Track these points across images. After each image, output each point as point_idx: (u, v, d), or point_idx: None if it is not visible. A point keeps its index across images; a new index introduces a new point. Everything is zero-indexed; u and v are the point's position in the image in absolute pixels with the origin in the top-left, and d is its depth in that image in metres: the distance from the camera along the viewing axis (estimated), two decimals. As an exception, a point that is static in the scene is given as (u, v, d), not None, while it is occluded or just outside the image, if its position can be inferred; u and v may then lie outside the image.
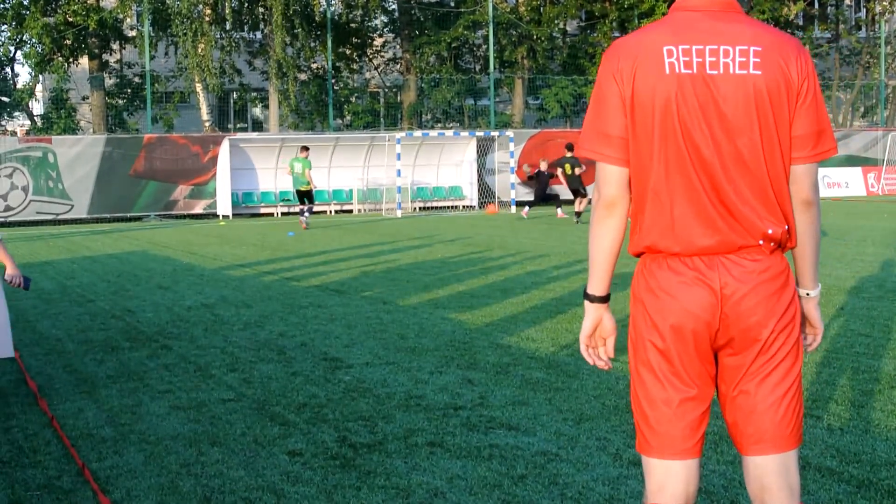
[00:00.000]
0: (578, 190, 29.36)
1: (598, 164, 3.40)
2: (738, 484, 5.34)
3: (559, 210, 31.96)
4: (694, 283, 3.30)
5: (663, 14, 42.17)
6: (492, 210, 36.25)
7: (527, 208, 31.52)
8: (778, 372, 3.37)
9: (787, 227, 3.34)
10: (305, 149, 29.51)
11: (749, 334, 3.32)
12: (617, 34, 45.56)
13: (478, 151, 39.21)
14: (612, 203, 3.39)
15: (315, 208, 36.61)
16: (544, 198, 31.28)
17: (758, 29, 3.35)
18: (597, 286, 3.49)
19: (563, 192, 32.49)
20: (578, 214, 29.02)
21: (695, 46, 3.29)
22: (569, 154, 29.34)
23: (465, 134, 38.91)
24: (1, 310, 7.92)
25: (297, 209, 32.81)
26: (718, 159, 3.27)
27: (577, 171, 29.12)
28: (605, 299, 3.51)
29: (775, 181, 3.32)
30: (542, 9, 45.02)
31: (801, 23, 51.05)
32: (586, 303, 3.53)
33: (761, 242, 3.30)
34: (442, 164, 39.59)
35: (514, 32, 45.47)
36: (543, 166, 30.64)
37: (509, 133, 38.24)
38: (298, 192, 29.49)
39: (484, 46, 46.61)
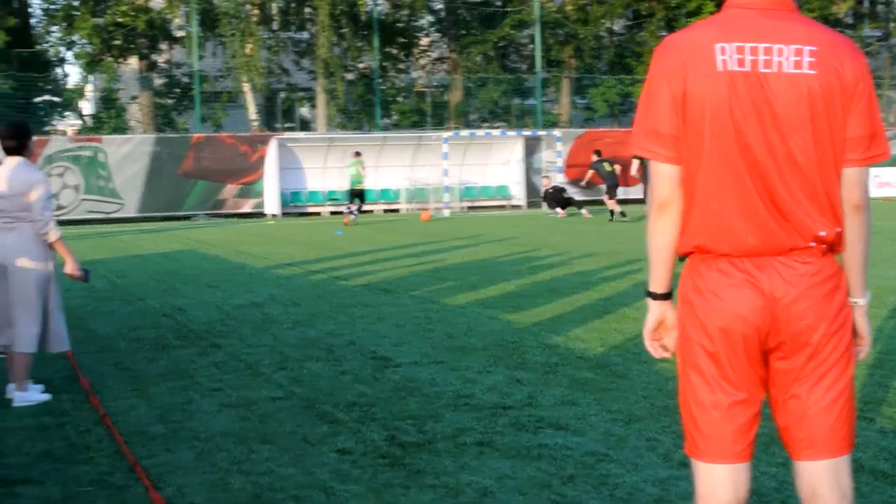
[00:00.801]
0: (613, 188, 29.99)
1: (651, 163, 3.36)
2: (790, 486, 5.29)
3: (584, 210, 32.24)
4: (743, 285, 3.26)
5: (711, 13, 41.86)
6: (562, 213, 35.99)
7: (585, 210, 32.02)
8: (829, 376, 3.32)
9: (838, 229, 3.29)
10: (358, 154, 32.02)
11: (800, 338, 3.27)
12: (664, 33, 45.30)
13: (525, 151, 39.15)
14: (666, 203, 3.35)
15: (363, 207, 36.91)
16: (562, 204, 32.03)
17: (812, 28, 3.30)
18: (657, 284, 3.46)
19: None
20: (612, 213, 29.67)
21: (748, 44, 3.23)
22: (598, 158, 30.06)
23: (512, 133, 38.88)
24: (57, 304, 8.02)
25: (344, 207, 33.27)
26: (771, 159, 3.22)
27: (617, 167, 29.93)
28: (666, 296, 3.48)
29: (827, 183, 3.26)
30: (588, 8, 44.87)
31: (850, 21, 50.54)
32: (648, 300, 3.51)
33: (812, 244, 3.25)
34: (489, 163, 39.56)
35: (561, 31, 45.37)
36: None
37: (556, 132, 38.16)
38: (353, 190, 31.43)
39: (530, 46, 46.48)
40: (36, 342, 7.95)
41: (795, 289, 3.24)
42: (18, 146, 7.95)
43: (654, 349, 3.55)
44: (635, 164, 28.83)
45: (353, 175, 31.32)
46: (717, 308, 3.28)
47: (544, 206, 34.30)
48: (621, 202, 31.50)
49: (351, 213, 30.86)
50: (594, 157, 30.98)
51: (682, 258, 3.44)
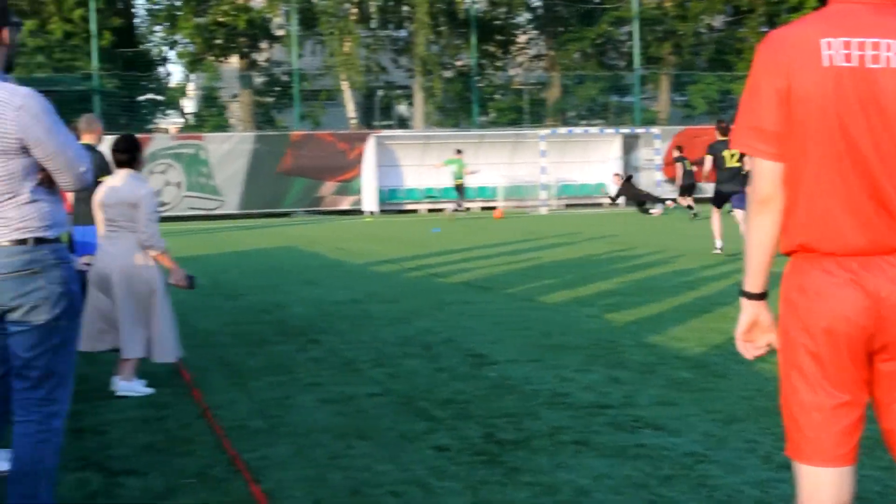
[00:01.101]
0: (730, 197, 20.47)
1: (754, 160, 3.32)
2: (894, 491, 5.20)
3: (659, 206, 32.20)
4: (848, 285, 3.18)
5: (813, 7, 41.23)
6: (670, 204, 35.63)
7: (682, 207, 31.84)
8: None
9: None
10: (459, 151, 34.21)
11: None
12: (765, 29, 44.68)
13: (623, 149, 38.91)
14: (767, 200, 3.30)
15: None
16: (638, 202, 31.88)
17: None
18: (752, 283, 3.40)
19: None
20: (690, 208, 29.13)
21: (855, 39, 3.16)
22: (679, 155, 29.27)
23: (609, 131, 38.67)
24: (162, 313, 8.14)
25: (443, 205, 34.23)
26: (877, 156, 3.14)
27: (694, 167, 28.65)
28: (761, 296, 3.41)
29: None
30: (688, 4, 44.43)
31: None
32: (742, 300, 3.45)
33: None
34: (587, 161, 39.38)
35: (660, 28, 45.00)
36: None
37: (655, 130, 37.86)
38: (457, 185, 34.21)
39: (629, 42, 46.15)
40: (142, 348, 8.10)
41: None
42: (129, 159, 8.15)
43: (746, 350, 3.51)
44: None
45: (455, 172, 33.64)
46: (820, 308, 3.22)
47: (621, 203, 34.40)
48: (698, 201, 31.12)
49: (457, 208, 33.60)
50: (675, 154, 30.56)
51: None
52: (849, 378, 3.24)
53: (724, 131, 18.37)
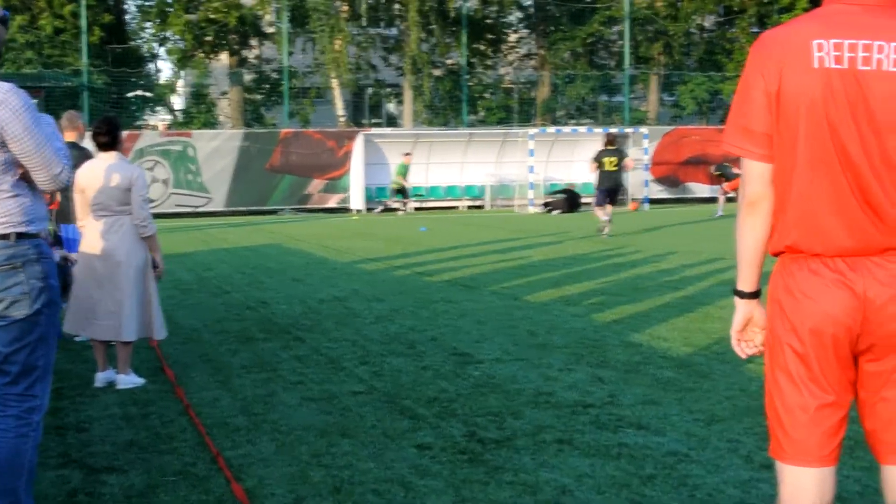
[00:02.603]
0: (615, 191, 23.71)
1: (742, 161, 3.33)
2: (874, 491, 5.21)
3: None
4: (835, 286, 3.20)
5: (804, 8, 41.15)
6: (634, 206, 35.71)
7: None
8: None
9: None
10: (408, 154, 35.19)
11: (892, 340, 3.21)
12: (756, 29, 44.75)
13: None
14: (756, 201, 3.31)
15: (447, 203, 37.22)
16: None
17: None
18: (745, 282, 3.43)
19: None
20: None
21: (847, 41, 3.17)
22: (610, 147, 24.40)
23: (598, 130, 38.63)
24: (155, 293, 8.27)
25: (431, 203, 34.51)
26: (866, 159, 3.16)
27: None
28: (754, 295, 3.45)
29: None
30: (678, 4, 44.48)
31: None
32: (736, 299, 3.48)
33: None
34: (575, 160, 39.36)
35: (650, 28, 45.02)
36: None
37: (644, 130, 37.87)
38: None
39: (619, 42, 46.16)
40: (139, 331, 8.14)
41: (889, 290, 3.18)
42: (112, 140, 8.12)
43: (740, 349, 3.52)
44: (593, 166, 23.42)
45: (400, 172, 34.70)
46: (807, 309, 3.24)
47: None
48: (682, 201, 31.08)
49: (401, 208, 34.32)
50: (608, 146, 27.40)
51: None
52: (834, 378, 3.26)
53: (612, 142, 24.03)
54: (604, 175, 23.24)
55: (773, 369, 3.36)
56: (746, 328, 3.48)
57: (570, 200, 35.12)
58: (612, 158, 23.40)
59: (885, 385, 3.27)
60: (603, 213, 23.10)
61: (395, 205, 36.13)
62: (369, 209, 36.26)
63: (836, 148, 3.18)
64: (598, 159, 23.47)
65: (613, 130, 29.76)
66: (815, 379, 3.26)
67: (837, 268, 3.21)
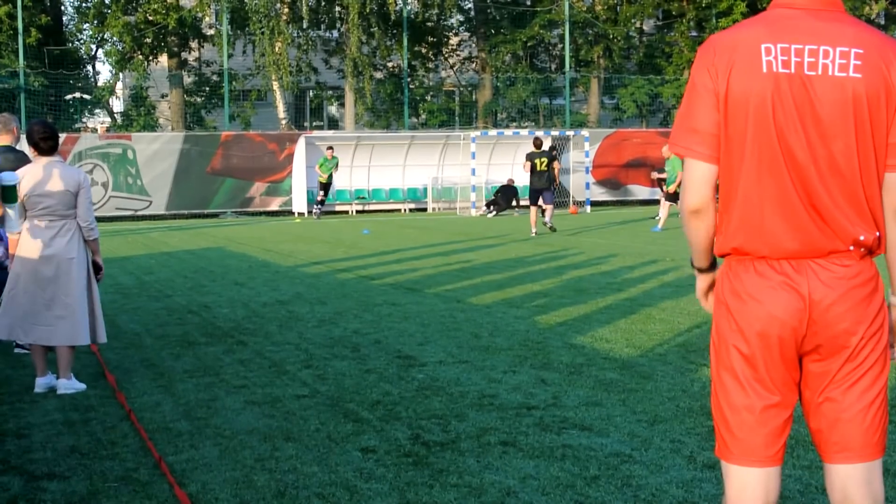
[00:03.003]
0: (543, 192, 24.76)
1: (687, 162, 3.34)
2: (815, 489, 5.27)
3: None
4: (781, 288, 3.24)
5: (742, 13, 41.40)
6: (574, 210, 35.77)
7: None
8: (865, 380, 3.30)
9: (878, 233, 3.27)
10: (330, 148, 34.19)
11: (837, 341, 3.25)
12: (694, 33, 45.17)
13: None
14: (699, 209, 3.33)
15: (390, 206, 37.07)
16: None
17: (860, 30, 3.27)
18: (699, 262, 3.52)
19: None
20: (546, 224, 25.19)
21: (794, 45, 3.21)
22: (537, 149, 25.39)
23: (540, 133, 38.81)
24: (98, 297, 8.21)
25: (374, 206, 34.22)
26: (812, 163, 3.20)
27: (556, 165, 25.14)
28: (710, 268, 3.52)
29: (868, 187, 3.24)
30: (618, 8, 44.77)
31: (882, 22, 50.19)
32: (695, 271, 3.56)
33: (852, 248, 3.23)
34: (517, 163, 39.45)
35: (591, 31, 45.26)
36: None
37: (584, 133, 38.05)
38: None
39: (560, 45, 46.37)
40: (88, 335, 8.09)
41: (834, 291, 3.22)
42: (55, 145, 8.11)
43: (708, 305, 3.59)
44: (526, 167, 24.89)
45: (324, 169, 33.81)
46: (754, 311, 3.27)
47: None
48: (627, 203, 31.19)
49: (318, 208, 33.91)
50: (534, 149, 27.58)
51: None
52: (780, 379, 3.30)
53: (539, 146, 25.48)
54: (535, 175, 24.70)
55: (718, 370, 3.39)
56: (709, 290, 3.56)
57: (507, 195, 35.06)
58: (543, 159, 24.76)
59: (829, 385, 3.31)
60: (534, 216, 24.67)
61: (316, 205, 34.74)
62: (311, 212, 36.15)
63: (783, 151, 3.21)
64: (531, 160, 24.79)
65: (539, 133, 32.11)
66: (761, 380, 3.29)
67: (783, 270, 3.24)
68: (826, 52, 3.20)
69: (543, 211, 24.88)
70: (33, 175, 8.02)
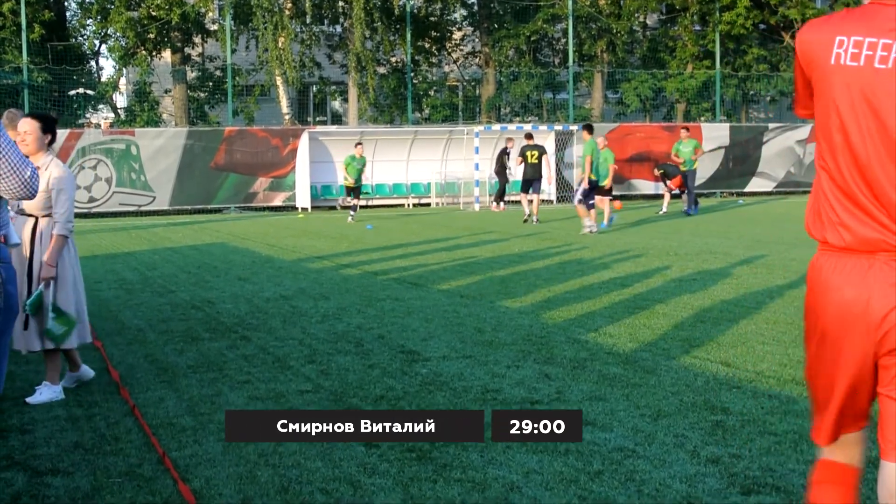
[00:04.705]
0: (533, 182, 27.32)
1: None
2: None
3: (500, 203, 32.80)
4: (860, 281, 3.26)
5: (745, 7, 41.16)
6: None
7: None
8: None
9: None
10: (360, 144, 30.74)
11: None
12: (698, 28, 45.12)
13: (556, 145, 39.05)
14: None
15: (393, 201, 37.08)
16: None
17: None
18: None
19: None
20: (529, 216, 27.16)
21: (867, 39, 3.20)
22: (530, 142, 27.90)
23: (543, 128, 38.78)
24: (82, 297, 8.00)
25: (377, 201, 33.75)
26: (876, 158, 3.20)
27: (546, 158, 27.65)
28: None
29: None
30: (621, 2, 44.71)
31: None
32: None
33: None
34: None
35: (594, 26, 45.21)
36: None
37: (588, 127, 37.98)
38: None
39: (563, 40, 46.31)
40: (87, 335, 7.99)
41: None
42: (53, 139, 7.92)
43: None
44: (519, 160, 27.24)
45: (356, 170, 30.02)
46: (833, 300, 3.31)
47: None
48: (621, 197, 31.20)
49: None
50: (527, 141, 28.64)
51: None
52: (858, 364, 3.35)
53: (530, 139, 28.17)
54: (527, 167, 27.40)
55: (807, 350, 3.53)
56: None
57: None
58: (534, 152, 27.41)
59: (893, 381, 3.31)
60: (527, 203, 27.23)
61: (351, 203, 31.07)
62: (314, 207, 36.14)
63: (844, 143, 3.25)
64: (522, 153, 27.54)
65: (527, 127, 34.46)
66: (844, 364, 3.37)
67: (860, 264, 3.27)
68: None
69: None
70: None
